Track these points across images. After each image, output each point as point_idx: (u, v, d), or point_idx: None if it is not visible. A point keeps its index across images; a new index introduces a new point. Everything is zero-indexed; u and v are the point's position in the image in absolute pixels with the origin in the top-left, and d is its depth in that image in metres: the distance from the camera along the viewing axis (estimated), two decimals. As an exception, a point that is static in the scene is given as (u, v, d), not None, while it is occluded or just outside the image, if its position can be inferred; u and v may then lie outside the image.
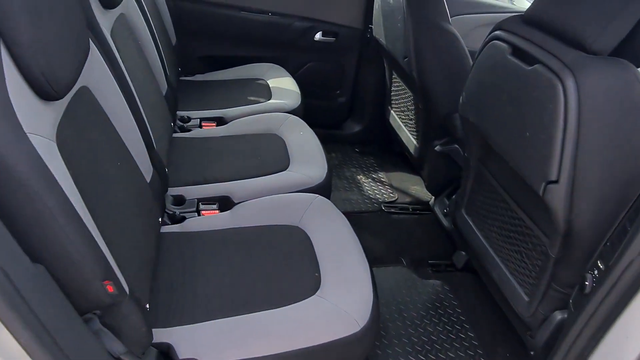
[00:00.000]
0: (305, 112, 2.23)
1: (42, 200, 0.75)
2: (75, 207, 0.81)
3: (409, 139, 2.36)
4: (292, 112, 2.09)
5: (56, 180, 0.78)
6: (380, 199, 2.41)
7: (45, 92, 0.82)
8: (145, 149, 1.32)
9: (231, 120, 2.04)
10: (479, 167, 1.63)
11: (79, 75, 0.94)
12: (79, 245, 0.80)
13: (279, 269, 1.28)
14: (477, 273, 1.82)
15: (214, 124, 2.04)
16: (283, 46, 2.58)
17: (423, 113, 2.11)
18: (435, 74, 1.94)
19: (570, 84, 1.06)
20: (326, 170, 1.68)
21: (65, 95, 0.88)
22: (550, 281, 1.30)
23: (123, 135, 1.20)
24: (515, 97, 1.23)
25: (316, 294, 1.19)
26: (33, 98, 0.81)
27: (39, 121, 0.80)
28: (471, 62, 1.97)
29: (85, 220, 0.83)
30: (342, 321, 1.12)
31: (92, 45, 1.10)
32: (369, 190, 2.48)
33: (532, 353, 1.41)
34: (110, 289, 0.86)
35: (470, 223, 1.73)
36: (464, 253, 1.95)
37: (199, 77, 2.47)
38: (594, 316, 0.97)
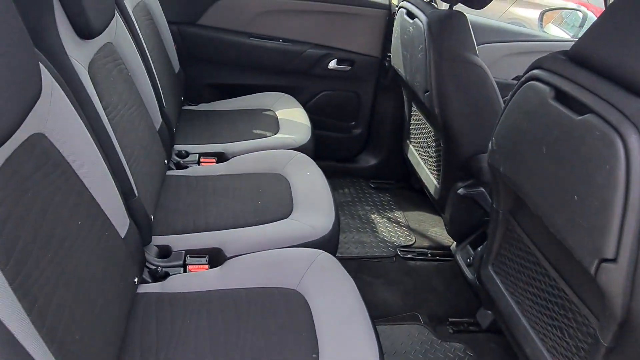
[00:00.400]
0: (318, 144, 2.06)
1: None
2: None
3: (428, 177, 2.14)
4: (301, 148, 1.91)
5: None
6: (396, 242, 2.20)
7: None
8: (121, 199, 1.14)
9: (233, 157, 1.86)
10: (510, 221, 1.41)
11: (18, 124, 0.77)
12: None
13: (270, 346, 1.08)
14: (505, 335, 1.58)
15: (214, 160, 1.87)
16: (294, 74, 2.42)
17: (445, 151, 1.90)
18: (459, 110, 1.74)
19: (634, 141, 0.85)
20: (333, 220, 1.48)
21: None
22: (599, 372, 1.06)
23: (91, 187, 1.02)
24: (559, 151, 1.02)
25: (312, 383, 0.99)
26: None
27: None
28: (500, 98, 1.77)
29: (5, 316, 0.65)
30: None
31: (52, 84, 0.93)
32: (384, 231, 2.27)
33: None
34: (37, 402, 0.67)
35: (498, 283, 1.50)
36: (490, 312, 1.72)
37: (203, 107, 2.31)
38: None
